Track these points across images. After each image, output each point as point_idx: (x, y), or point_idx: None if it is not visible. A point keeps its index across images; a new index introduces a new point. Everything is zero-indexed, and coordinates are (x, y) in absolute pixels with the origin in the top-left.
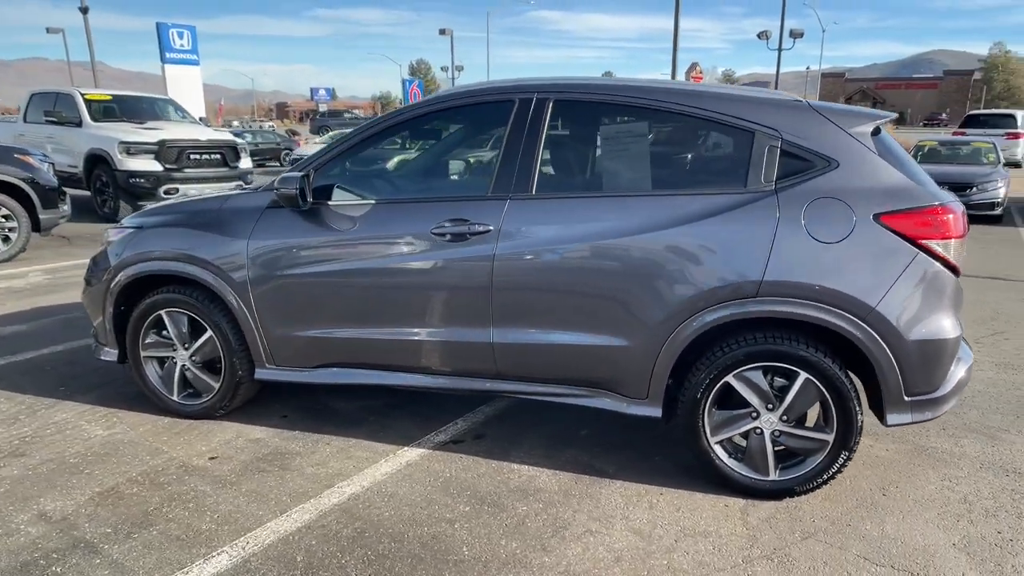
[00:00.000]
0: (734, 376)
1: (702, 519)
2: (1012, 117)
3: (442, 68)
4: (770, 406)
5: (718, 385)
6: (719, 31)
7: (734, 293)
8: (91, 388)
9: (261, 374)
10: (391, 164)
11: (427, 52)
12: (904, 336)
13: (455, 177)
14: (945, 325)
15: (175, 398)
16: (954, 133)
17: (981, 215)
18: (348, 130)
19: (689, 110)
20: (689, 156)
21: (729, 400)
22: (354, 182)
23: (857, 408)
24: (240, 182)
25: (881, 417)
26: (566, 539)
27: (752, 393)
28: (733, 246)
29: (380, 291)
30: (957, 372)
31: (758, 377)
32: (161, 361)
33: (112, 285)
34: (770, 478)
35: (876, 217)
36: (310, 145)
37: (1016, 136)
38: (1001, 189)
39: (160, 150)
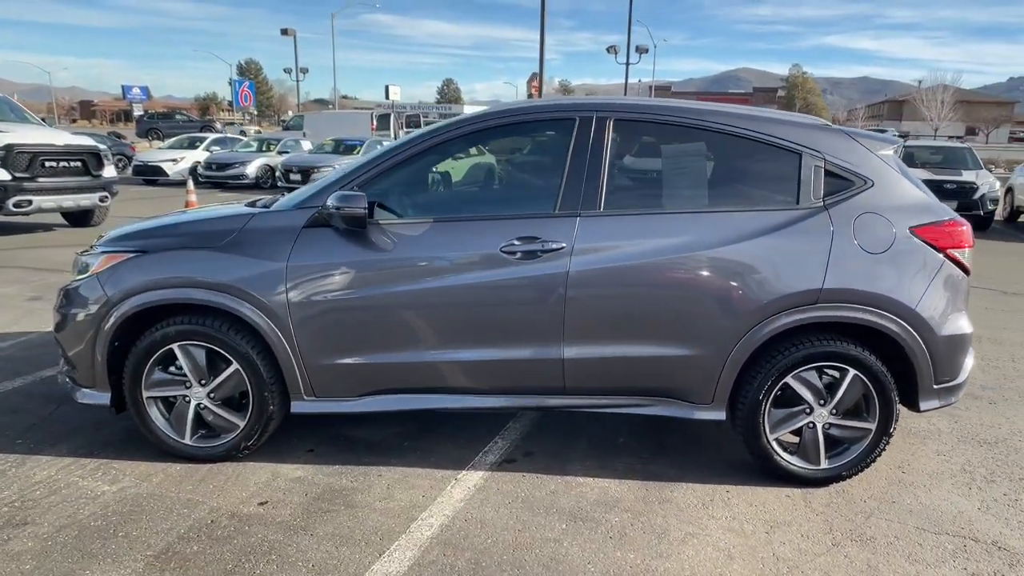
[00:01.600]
0: (792, 377)
1: (776, 510)
2: None
3: (285, 70)
4: (821, 402)
5: (778, 386)
6: (550, 42)
7: (798, 301)
8: (59, 437)
9: (299, 407)
10: (449, 180)
11: (255, 52)
12: (937, 332)
13: (513, 194)
14: (964, 321)
15: (187, 441)
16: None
17: None
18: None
19: (740, 131)
20: (744, 175)
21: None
22: (401, 200)
23: (896, 398)
24: (105, 192)
25: (914, 404)
26: (673, 543)
27: (807, 391)
28: (795, 258)
29: (444, 312)
30: (969, 362)
31: (813, 376)
32: (166, 401)
33: (109, 318)
34: (821, 467)
35: (911, 230)
36: (157, 151)
37: None
38: None
39: (7, 156)
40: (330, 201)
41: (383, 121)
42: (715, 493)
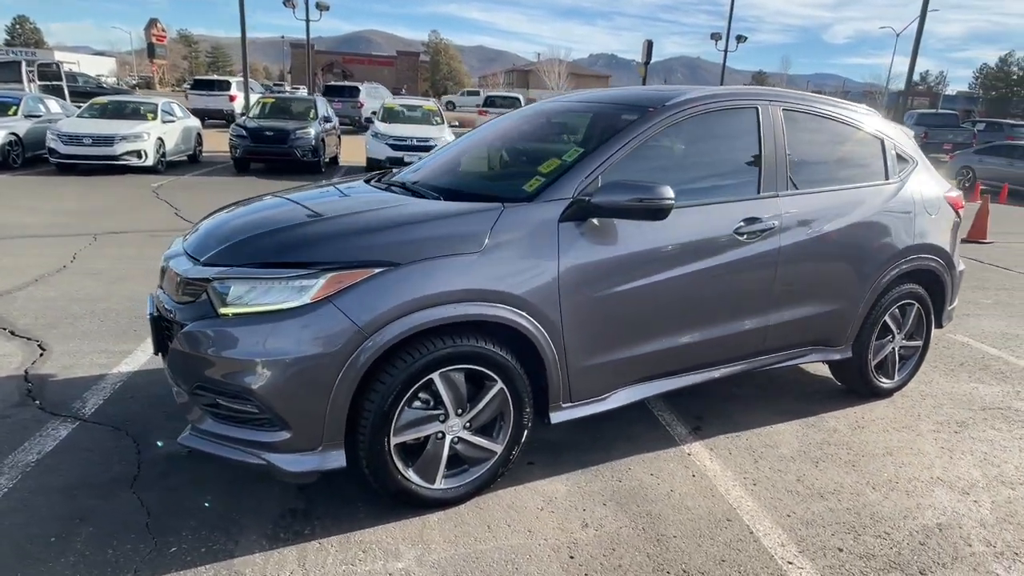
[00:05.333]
0: (888, 316)
1: (899, 419)
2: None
3: None
4: (899, 330)
5: (880, 324)
6: None
7: (902, 255)
8: (218, 529)
9: (558, 417)
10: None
11: None
12: (956, 269)
13: (714, 177)
14: (960, 262)
15: (438, 484)
16: (480, 112)
17: None
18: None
19: (853, 121)
20: (859, 156)
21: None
22: None
23: (932, 320)
24: None
25: (938, 323)
26: (888, 457)
27: (893, 324)
28: (899, 221)
29: (692, 294)
30: None
31: (896, 312)
32: (406, 446)
33: (361, 353)
34: (895, 380)
35: (944, 196)
36: None
37: None
38: None
39: None
40: (619, 195)
41: (8, 71)
42: (851, 416)
